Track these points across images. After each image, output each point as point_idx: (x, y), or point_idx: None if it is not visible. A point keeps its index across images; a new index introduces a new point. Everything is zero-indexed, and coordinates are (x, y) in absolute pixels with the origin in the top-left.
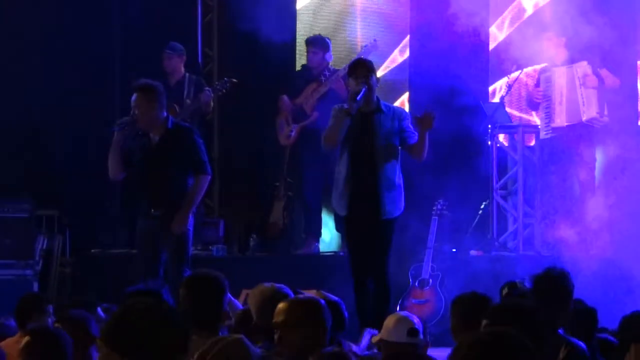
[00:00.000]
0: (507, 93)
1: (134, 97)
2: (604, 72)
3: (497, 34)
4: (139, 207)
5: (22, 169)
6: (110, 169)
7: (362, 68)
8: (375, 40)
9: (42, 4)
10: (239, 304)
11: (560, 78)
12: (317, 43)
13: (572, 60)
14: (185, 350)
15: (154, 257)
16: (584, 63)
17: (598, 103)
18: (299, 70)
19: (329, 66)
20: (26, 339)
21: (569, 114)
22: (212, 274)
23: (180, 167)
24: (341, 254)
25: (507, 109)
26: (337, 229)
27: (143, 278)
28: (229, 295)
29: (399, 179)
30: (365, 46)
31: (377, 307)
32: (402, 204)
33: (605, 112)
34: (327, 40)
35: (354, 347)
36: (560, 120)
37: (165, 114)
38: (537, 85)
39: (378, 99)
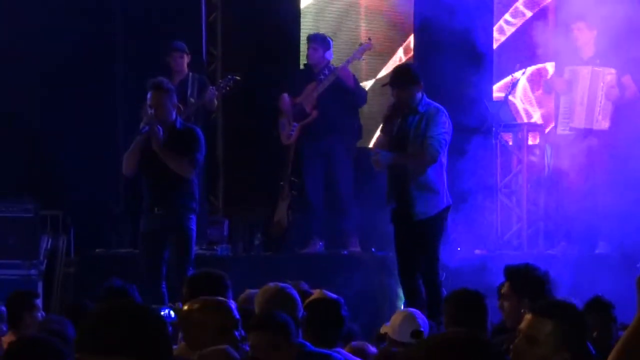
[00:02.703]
0: (511, 91)
1: (150, 95)
2: (626, 80)
3: (497, 36)
4: (141, 206)
5: (27, 169)
6: (127, 166)
7: (394, 82)
8: (370, 39)
9: (46, 3)
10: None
11: (585, 79)
12: (318, 40)
13: (598, 58)
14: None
15: (156, 255)
16: (613, 71)
17: (612, 117)
18: (301, 69)
19: (329, 65)
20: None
21: (588, 117)
22: (214, 273)
23: None
24: (344, 252)
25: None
26: None
27: (144, 277)
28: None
29: (434, 179)
30: (361, 45)
31: (428, 312)
32: (439, 203)
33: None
34: (329, 39)
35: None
36: (579, 121)
37: (174, 114)
38: (560, 75)
39: (419, 99)
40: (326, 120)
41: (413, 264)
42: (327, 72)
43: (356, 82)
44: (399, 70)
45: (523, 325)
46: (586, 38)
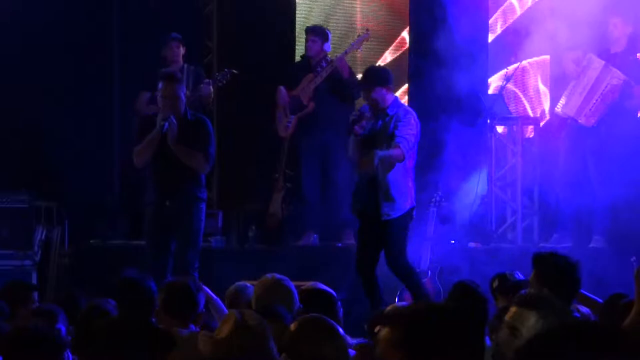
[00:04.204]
0: (505, 84)
1: (162, 85)
2: (637, 90)
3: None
4: (144, 196)
5: (21, 161)
6: (140, 159)
7: (361, 83)
8: (367, 30)
9: None
10: (223, 307)
11: (595, 70)
12: (317, 32)
13: (621, 57)
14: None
15: (163, 247)
16: (622, 77)
17: (600, 117)
18: (298, 62)
19: (327, 57)
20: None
21: (579, 108)
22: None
23: None
24: (339, 245)
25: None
26: None
27: (150, 269)
28: (214, 297)
29: (400, 182)
30: (359, 36)
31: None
32: (404, 205)
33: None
34: (328, 31)
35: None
36: (571, 108)
37: (185, 104)
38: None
39: (390, 101)
40: (323, 112)
41: (371, 261)
42: (324, 64)
43: (351, 74)
44: (367, 70)
45: (507, 316)
46: (619, 34)
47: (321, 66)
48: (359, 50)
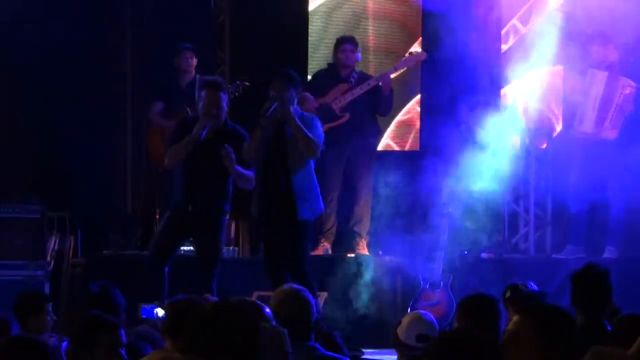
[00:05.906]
0: (518, 95)
1: (205, 93)
2: None
3: (519, 27)
4: (174, 200)
5: (34, 170)
6: (172, 160)
7: (278, 81)
8: (424, 52)
9: (56, 6)
10: None
11: (600, 83)
12: (354, 41)
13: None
14: None
15: (171, 247)
16: (633, 84)
17: (620, 127)
18: (324, 69)
19: (355, 68)
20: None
21: (597, 123)
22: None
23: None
24: (352, 256)
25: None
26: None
27: (150, 258)
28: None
29: (312, 186)
30: (410, 55)
31: None
32: (319, 207)
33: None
34: None
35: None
36: (588, 126)
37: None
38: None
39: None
40: (352, 124)
41: (283, 266)
42: (355, 75)
43: (391, 91)
44: (287, 71)
45: (510, 325)
46: (605, 51)
47: (353, 77)
48: (363, 63)
